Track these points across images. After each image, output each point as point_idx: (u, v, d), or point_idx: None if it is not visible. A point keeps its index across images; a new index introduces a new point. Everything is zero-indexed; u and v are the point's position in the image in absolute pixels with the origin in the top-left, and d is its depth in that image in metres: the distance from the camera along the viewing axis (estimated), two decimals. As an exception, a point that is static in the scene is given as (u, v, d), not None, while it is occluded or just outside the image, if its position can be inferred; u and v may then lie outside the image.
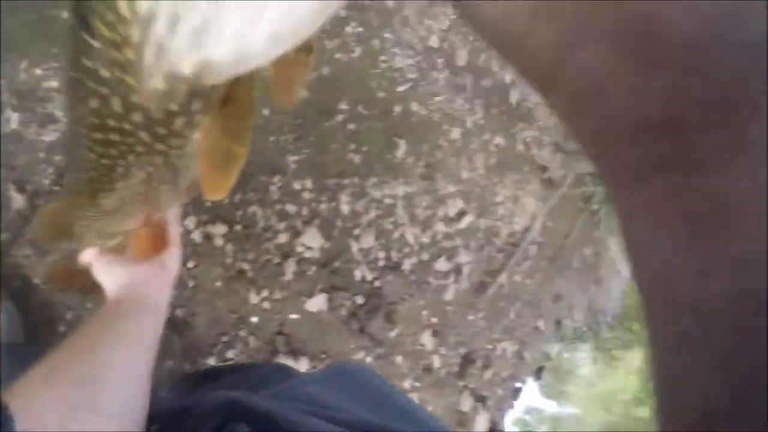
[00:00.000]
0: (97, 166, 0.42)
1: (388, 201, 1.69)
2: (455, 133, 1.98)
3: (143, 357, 0.55)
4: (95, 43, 0.30)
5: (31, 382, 0.47)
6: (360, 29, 1.84)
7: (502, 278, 2.13)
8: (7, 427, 0.31)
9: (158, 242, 0.65)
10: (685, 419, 0.21)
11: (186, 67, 0.27)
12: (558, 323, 2.78)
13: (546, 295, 2.61)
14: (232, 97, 0.34)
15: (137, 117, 0.33)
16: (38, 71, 1.41)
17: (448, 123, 1.96)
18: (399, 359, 1.83)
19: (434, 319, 1.87)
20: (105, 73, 0.31)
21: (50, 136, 1.43)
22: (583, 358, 3.14)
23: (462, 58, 2.06)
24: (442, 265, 1.82)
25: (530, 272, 2.38)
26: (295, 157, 1.59)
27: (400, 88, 1.87)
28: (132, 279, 0.64)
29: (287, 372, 0.93)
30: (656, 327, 0.23)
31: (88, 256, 0.67)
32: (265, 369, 0.98)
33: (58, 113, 1.43)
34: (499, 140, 2.20)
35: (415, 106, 1.89)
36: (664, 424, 0.22)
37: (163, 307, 0.64)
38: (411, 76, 1.90)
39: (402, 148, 1.77)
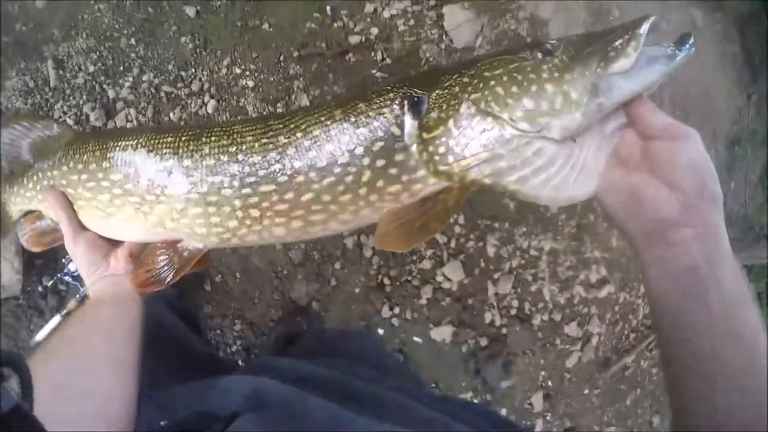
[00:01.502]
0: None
1: (533, 252, 1.69)
2: (610, 199, 1.92)
3: (116, 342, 0.58)
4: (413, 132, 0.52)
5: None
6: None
7: (629, 360, 1.99)
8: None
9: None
10: None
11: (487, 180, 0.50)
12: (674, 424, 2.50)
13: (669, 389, 2.37)
14: (442, 196, 0.52)
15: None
16: (237, 70, 1.61)
17: (605, 187, 1.91)
18: (504, 411, 1.79)
19: (550, 383, 1.81)
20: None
21: (240, 126, 1.63)
22: (687, 471, 2.77)
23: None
24: (572, 329, 1.76)
25: (659, 361, 2.19)
26: (454, 192, 1.67)
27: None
28: (109, 268, 0.67)
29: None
30: None
31: (78, 238, 0.67)
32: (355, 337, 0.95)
33: (249, 108, 1.61)
34: (652, 214, 2.09)
35: (574, 165, 1.87)
36: None
37: (137, 298, 0.65)
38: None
39: (556, 204, 1.76)
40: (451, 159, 0.49)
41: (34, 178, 0.73)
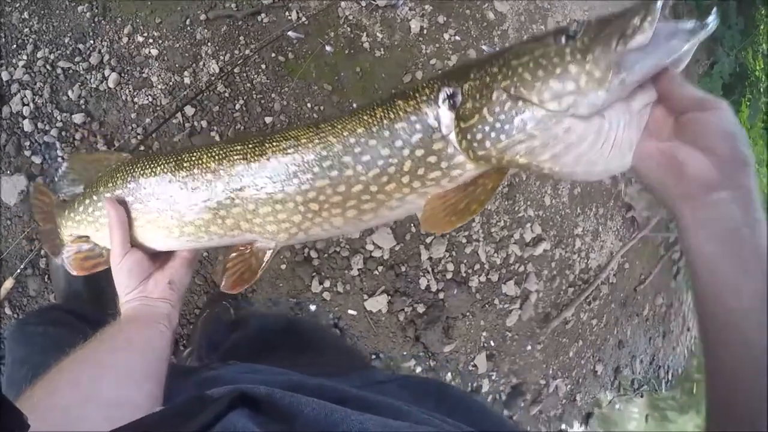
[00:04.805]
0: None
1: (465, 214, 1.65)
2: (543, 156, 1.91)
3: (148, 358, 0.63)
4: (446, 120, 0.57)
5: (56, 372, 0.56)
6: (458, 38, 1.82)
7: (568, 313, 2.02)
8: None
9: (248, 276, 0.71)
10: None
11: (522, 159, 0.52)
12: (617, 371, 2.61)
13: (610, 339, 2.45)
14: (481, 180, 0.57)
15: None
16: (139, 38, 1.48)
17: (537, 144, 1.90)
18: (448, 375, 1.79)
19: (492, 343, 1.81)
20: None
21: (143, 99, 1.48)
22: (634, 413, 2.93)
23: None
24: (510, 289, 1.76)
25: (598, 313, 2.25)
26: (381, 157, 1.60)
27: (494, 103, 1.82)
28: (145, 290, 0.72)
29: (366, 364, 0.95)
30: None
31: (124, 258, 0.72)
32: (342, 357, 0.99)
33: (154, 79, 1.49)
34: (587, 170, 2.10)
35: (506, 123, 1.84)
36: None
37: (171, 319, 0.71)
38: (506, 91, 1.85)
39: (487, 163, 1.73)
40: (488, 144, 0.53)
41: (86, 201, 0.78)
